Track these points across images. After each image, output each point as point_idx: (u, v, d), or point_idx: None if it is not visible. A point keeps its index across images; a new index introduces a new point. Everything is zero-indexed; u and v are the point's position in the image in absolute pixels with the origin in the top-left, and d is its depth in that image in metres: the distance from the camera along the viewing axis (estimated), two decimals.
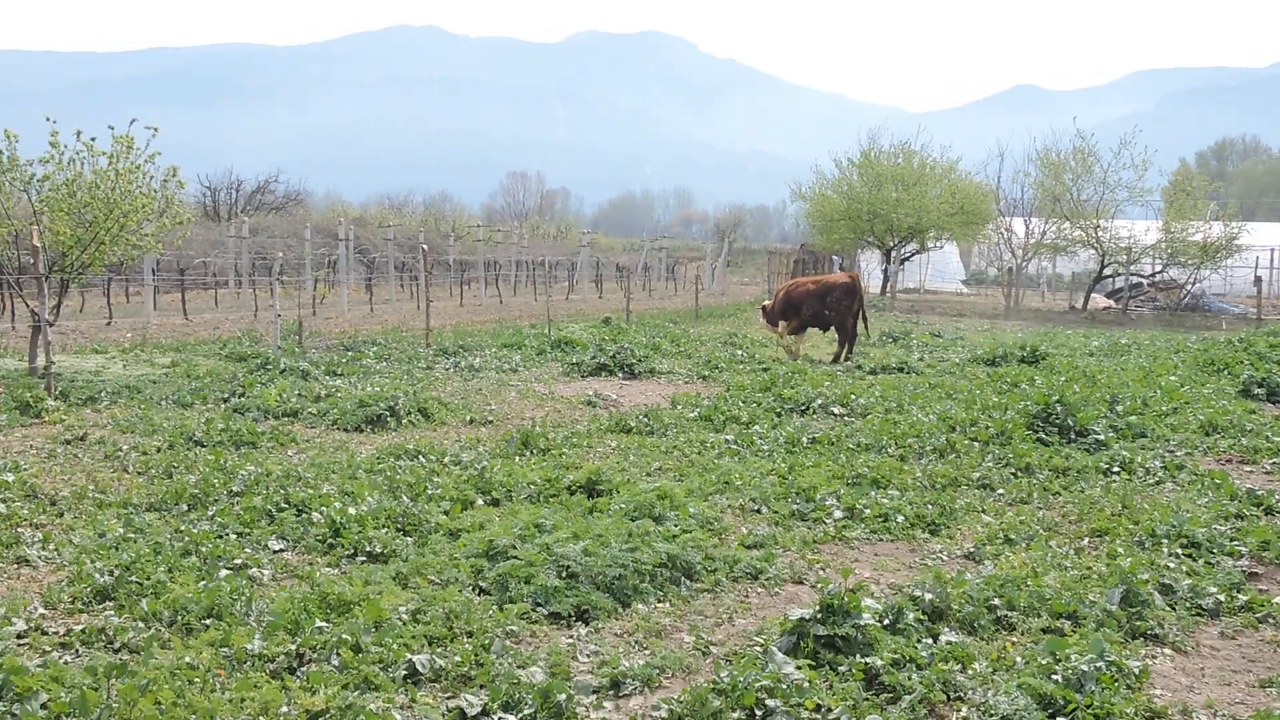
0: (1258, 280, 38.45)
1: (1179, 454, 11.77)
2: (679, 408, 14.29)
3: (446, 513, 8.82)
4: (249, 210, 57.79)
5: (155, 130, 18.29)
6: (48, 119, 17.67)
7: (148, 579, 6.91)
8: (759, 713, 5.28)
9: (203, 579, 6.96)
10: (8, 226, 17.23)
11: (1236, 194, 63.36)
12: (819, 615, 6.17)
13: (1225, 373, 17.96)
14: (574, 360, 19.66)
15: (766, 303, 22.53)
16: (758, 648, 6.12)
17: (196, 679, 5.42)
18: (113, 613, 6.50)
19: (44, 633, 6.24)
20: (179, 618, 6.35)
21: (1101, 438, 12.16)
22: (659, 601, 7.06)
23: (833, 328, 21.21)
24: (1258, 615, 7.01)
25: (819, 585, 7.12)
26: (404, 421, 13.31)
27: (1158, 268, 43.52)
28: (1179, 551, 8.22)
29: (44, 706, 5.02)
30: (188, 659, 5.69)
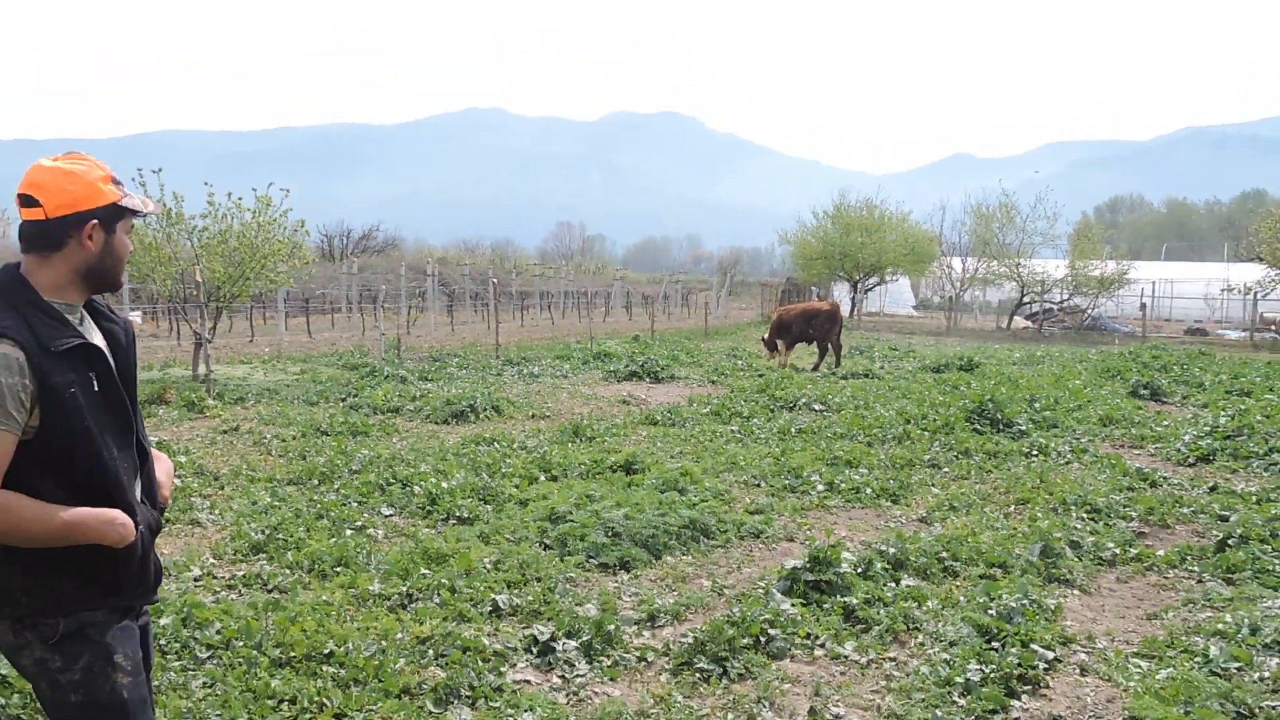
0: (1142, 306, 38.28)
1: (1083, 441, 11.70)
2: (694, 405, 14.27)
3: (517, 486, 8.80)
4: (356, 253, 57.92)
5: (287, 191, 18.45)
6: (205, 184, 17.88)
7: (291, 536, 6.97)
8: (763, 639, 5.33)
9: (333, 536, 7.04)
10: (176, 266, 17.37)
11: (1126, 239, 62.89)
12: (808, 565, 6.20)
13: (1118, 378, 17.87)
14: (611, 368, 19.62)
15: (764, 336, 22.35)
16: (761, 590, 6.14)
17: (332, 612, 5.50)
18: (265, 562, 6.57)
19: (214, 577, 6.32)
20: (316, 566, 6.40)
21: (1023, 428, 12.12)
22: (683, 554, 7.05)
23: (814, 343, 21.19)
24: (1145, 565, 6.99)
25: (807, 542, 7.20)
26: (481, 416, 13.30)
27: (1065, 296, 43.27)
28: (1084, 516, 8.20)
29: (218, 632, 5.12)
30: (324, 597, 5.77)
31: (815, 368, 20.66)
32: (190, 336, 16.84)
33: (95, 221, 2.51)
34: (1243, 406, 13.80)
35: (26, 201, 2.48)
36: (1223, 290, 42.39)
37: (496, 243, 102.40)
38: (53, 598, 2.46)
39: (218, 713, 4.33)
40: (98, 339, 2.60)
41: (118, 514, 2.46)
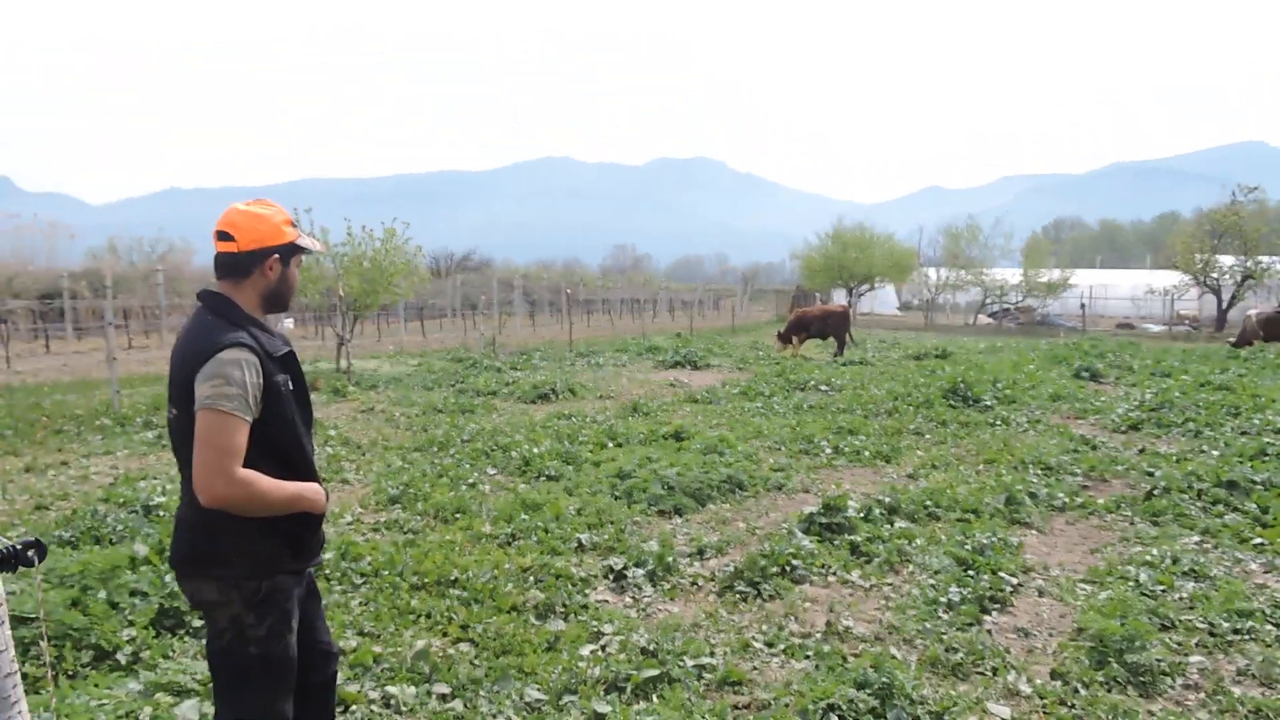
0: (1082, 306, 37.47)
1: (1037, 413, 11.50)
2: (726, 387, 14.24)
3: (591, 451, 8.82)
4: (458, 271, 58.38)
5: (408, 224, 18.67)
6: (345, 219, 18.15)
7: (419, 491, 7.07)
8: (788, 568, 5.34)
9: (451, 491, 7.13)
10: (323, 284, 17.68)
11: (1068, 253, 61.66)
12: (821, 511, 6.21)
13: (1064, 363, 17.55)
14: (659, 359, 19.62)
15: (779, 330, 22.14)
16: (785, 530, 6.15)
17: (454, 548, 5.60)
18: (400, 511, 6.67)
19: (362, 523, 6.44)
20: (440, 513, 6.50)
21: (989, 403, 11.95)
22: (723, 503, 7.06)
23: (832, 338, 21.06)
24: (1088, 510, 6.91)
25: (819, 493, 7.20)
26: (560, 396, 13.34)
27: (1019, 298, 42.64)
28: (1039, 472, 8.08)
29: (369, 564, 5.24)
30: (448, 537, 5.88)
31: (835, 357, 20.49)
32: (333, 337, 17.14)
33: (276, 256, 2.54)
34: (1164, 385, 13.52)
35: (223, 237, 2.49)
36: (1146, 292, 41.43)
37: (566, 262, 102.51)
38: (260, 561, 2.44)
39: (372, 624, 4.47)
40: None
41: (318, 486, 2.52)
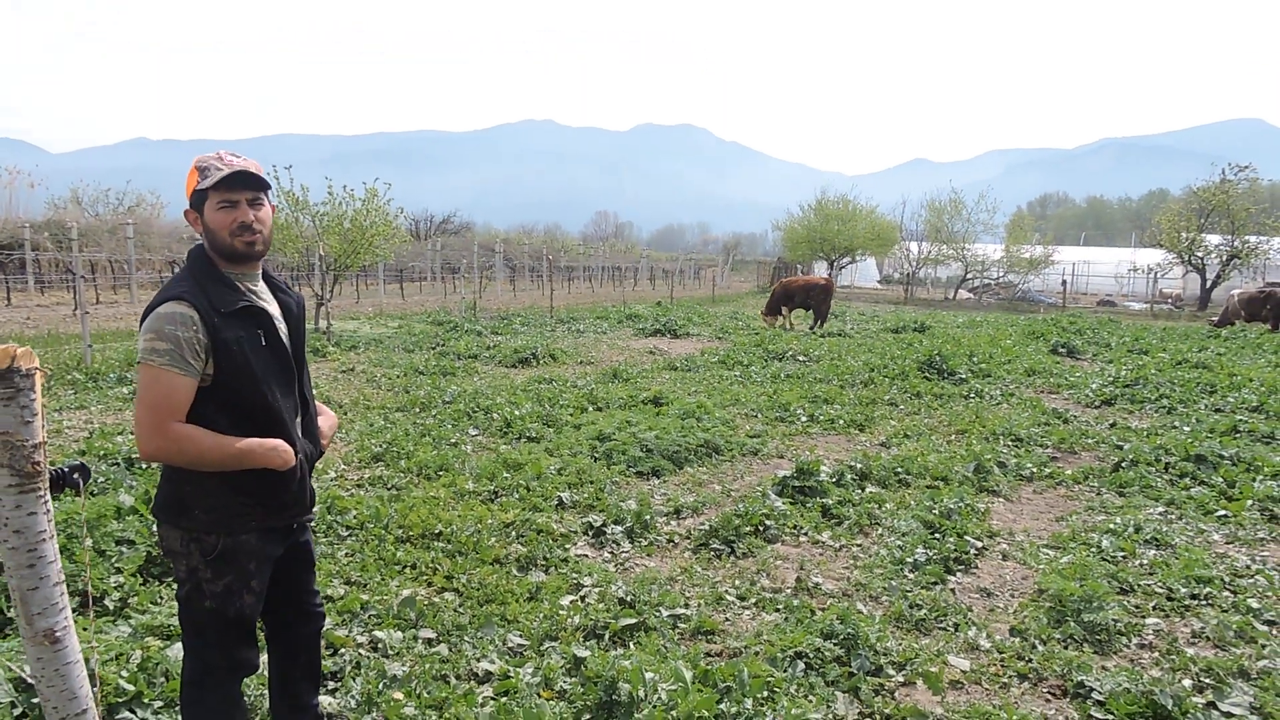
0: (1063, 282, 37.96)
1: (1011, 387, 11.77)
2: (705, 356, 14.40)
3: (571, 414, 8.97)
4: (437, 234, 58.07)
5: (389, 185, 18.62)
6: (326, 178, 18.08)
7: (402, 449, 7.20)
8: (761, 528, 5.56)
9: (434, 449, 7.26)
10: (301, 243, 17.64)
11: (1052, 229, 62.27)
12: (794, 474, 6.42)
13: (1041, 339, 17.85)
14: (639, 327, 19.74)
15: (763, 311, 22.15)
16: (759, 492, 6.32)
17: (438, 504, 5.76)
18: (384, 468, 6.81)
19: (345, 479, 6.57)
20: (423, 471, 6.64)
21: (963, 376, 12.19)
22: (699, 466, 7.25)
23: (811, 310, 21.27)
24: (1056, 481, 7.15)
25: (794, 459, 7.36)
26: (541, 361, 13.49)
27: (1001, 274, 43.07)
28: (1010, 443, 8.33)
29: (354, 517, 5.40)
30: (431, 493, 6.04)
31: (812, 328, 20.75)
32: (312, 297, 17.11)
33: (191, 211, 2.53)
34: (1140, 362, 13.86)
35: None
36: (1129, 270, 41.98)
37: (548, 227, 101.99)
38: (222, 517, 2.45)
39: (358, 574, 4.64)
40: (271, 306, 2.61)
41: (280, 442, 2.47)
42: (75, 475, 1.81)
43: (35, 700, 3.04)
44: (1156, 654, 4.10)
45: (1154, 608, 4.60)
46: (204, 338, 2.33)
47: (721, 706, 3.25)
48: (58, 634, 1.69)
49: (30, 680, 2.89)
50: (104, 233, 30.95)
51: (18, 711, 3.06)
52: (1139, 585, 4.84)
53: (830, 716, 3.40)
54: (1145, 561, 5.23)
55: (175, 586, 2.58)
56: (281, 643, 2.86)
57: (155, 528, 2.58)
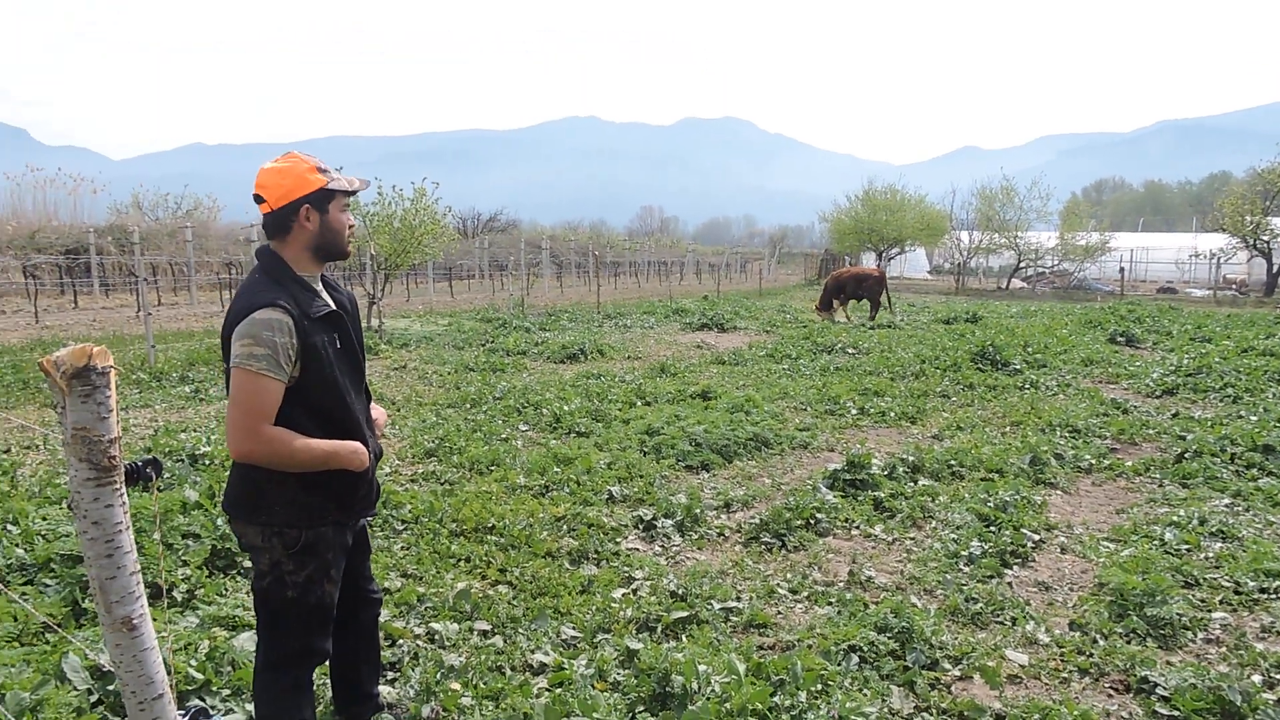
0: (1121, 269, 37.04)
1: (1067, 377, 11.55)
2: (753, 349, 14.39)
3: (620, 409, 9.00)
4: (485, 232, 58.58)
5: (437, 184, 18.81)
6: (376, 178, 18.34)
7: (454, 445, 7.30)
8: (812, 521, 5.54)
9: (485, 445, 7.33)
10: (353, 243, 17.91)
11: (1109, 215, 60.39)
12: (845, 467, 6.39)
13: (1099, 328, 17.47)
14: (686, 321, 19.73)
15: (816, 305, 21.88)
16: (809, 485, 6.31)
17: (490, 498, 5.84)
18: (436, 463, 6.91)
19: (400, 474, 6.67)
20: (475, 466, 6.72)
21: (1018, 367, 12.00)
22: (749, 460, 7.25)
23: (866, 301, 21.04)
24: (1116, 472, 7.03)
25: (844, 451, 7.31)
26: (589, 357, 13.54)
27: (1055, 262, 42.12)
28: (1066, 435, 8.19)
29: (409, 511, 5.50)
30: (484, 488, 6.12)
31: (869, 319, 20.52)
32: (364, 296, 17.39)
33: (307, 205, 2.54)
34: (1203, 350, 13.48)
35: (257, 199, 2.55)
36: (1191, 256, 40.77)
37: (593, 223, 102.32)
38: (302, 512, 2.54)
39: (414, 566, 4.72)
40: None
41: (359, 445, 2.57)
42: (148, 469, 1.88)
43: (111, 687, 3.16)
44: (1224, 649, 4.00)
45: (1220, 602, 4.48)
46: (296, 343, 2.41)
47: (775, 699, 3.25)
48: (134, 621, 1.77)
49: (107, 668, 3.00)
50: (164, 236, 31.80)
51: (94, 698, 3.18)
52: (1204, 579, 4.72)
53: (885, 710, 3.38)
54: (1211, 554, 5.10)
55: (252, 579, 2.67)
56: (344, 630, 2.94)
57: (229, 524, 2.64)
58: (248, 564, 4.59)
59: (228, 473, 2.66)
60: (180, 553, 4.50)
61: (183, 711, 1.92)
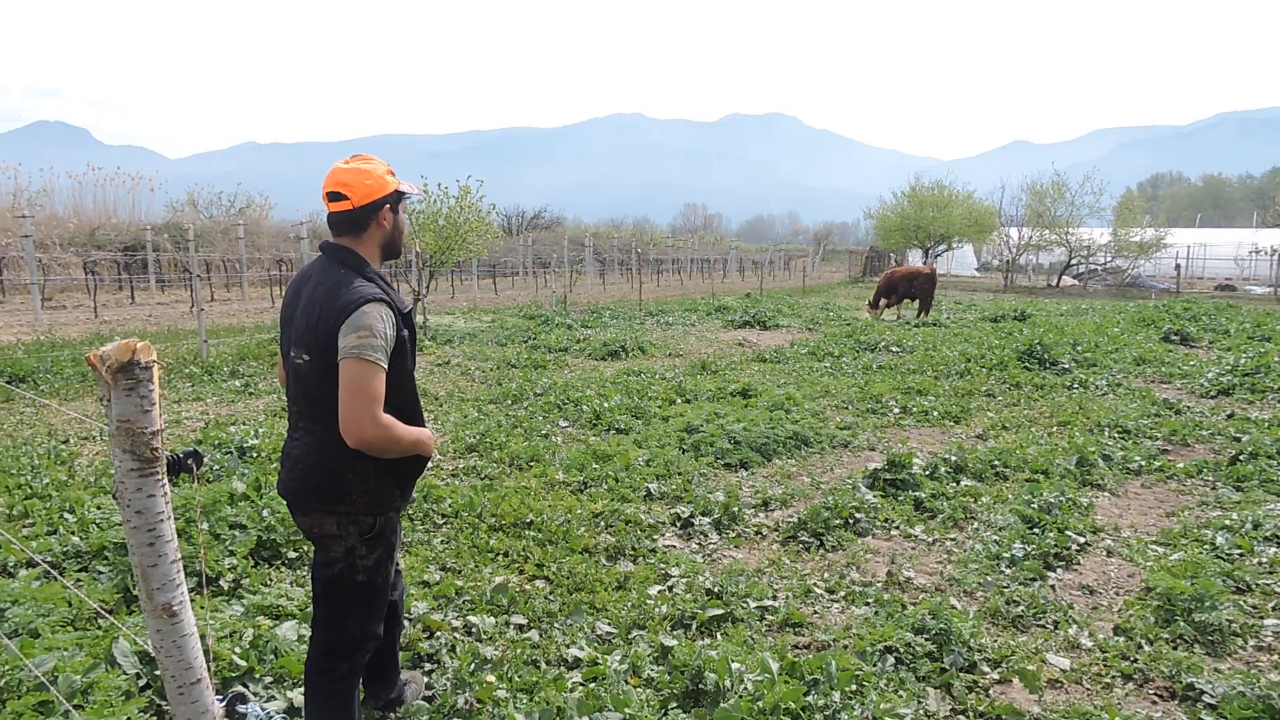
0: (1177, 267, 36.01)
1: (1118, 376, 11.30)
2: (795, 347, 14.30)
3: (659, 406, 9.00)
4: (529, 229, 58.95)
5: (482, 181, 18.98)
6: (422, 176, 18.55)
7: (495, 440, 7.36)
8: (850, 520, 5.50)
9: (525, 441, 7.40)
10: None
11: (1165, 211, 58.99)
12: (886, 467, 6.33)
13: (1152, 326, 17.04)
14: (728, 319, 19.65)
15: (869, 301, 21.67)
16: (849, 485, 6.26)
17: (529, 493, 5.89)
18: (477, 459, 6.96)
19: (441, 468, 6.74)
20: (515, 461, 6.79)
21: (1066, 366, 11.77)
22: (788, 459, 7.21)
23: (917, 299, 20.79)
24: (1166, 474, 6.86)
25: (885, 451, 7.25)
26: (630, 354, 13.57)
27: (1108, 258, 41.13)
28: (1115, 435, 8.03)
29: (449, 505, 5.56)
30: (523, 483, 6.18)
31: (918, 316, 20.26)
32: (408, 293, 17.61)
33: (387, 206, 2.67)
34: (1262, 349, 13.07)
35: (336, 197, 2.60)
36: (1251, 252, 39.54)
37: (636, 220, 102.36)
38: (377, 499, 2.64)
39: (453, 560, 4.78)
40: None
41: (429, 432, 2.68)
42: (190, 461, 1.93)
43: (158, 672, 3.25)
44: (1276, 657, 3.88)
45: (1273, 608, 4.35)
46: (394, 334, 2.51)
47: (809, 699, 3.23)
48: (174, 608, 1.82)
49: (152, 653, 3.09)
50: (217, 234, 32.56)
51: (142, 683, 3.27)
52: (1257, 584, 4.59)
53: (921, 712, 3.34)
54: (1265, 560, 4.95)
55: (315, 568, 2.74)
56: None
57: (301, 515, 2.68)
58: (292, 554, 4.70)
59: (291, 465, 2.67)
60: (227, 543, 4.61)
61: (221, 697, 1.97)
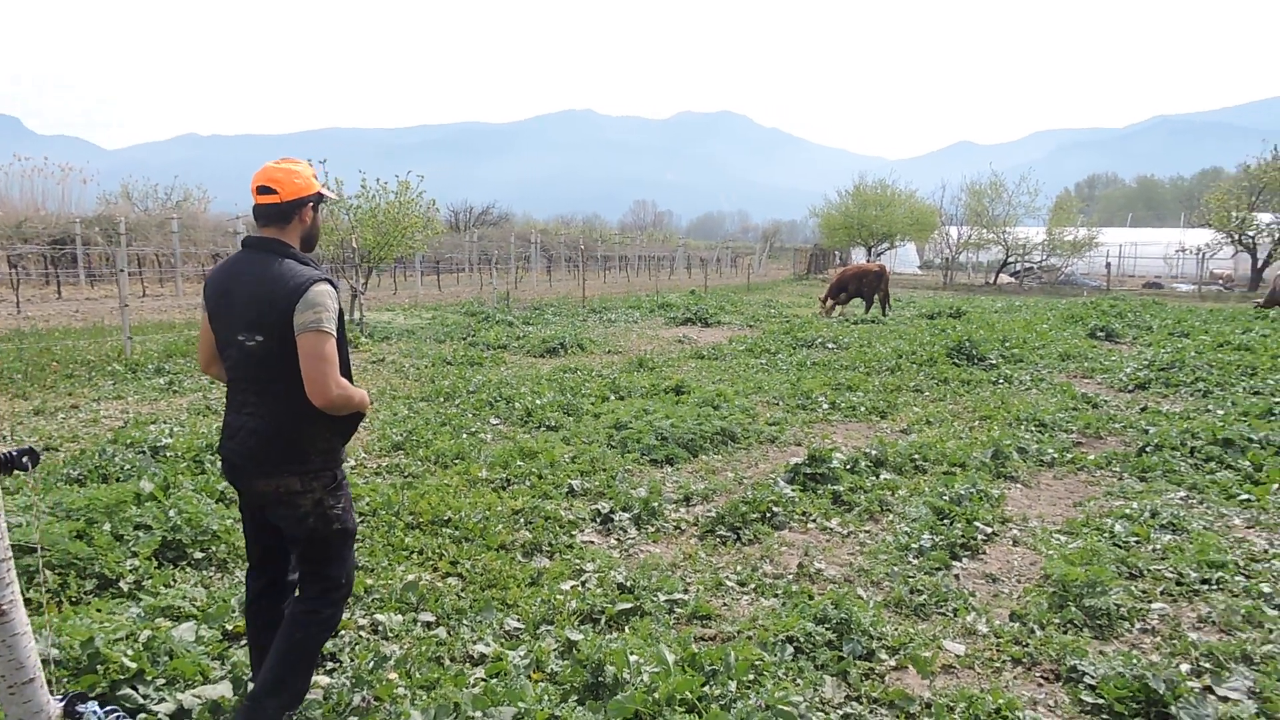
0: (1108, 265, 37.20)
1: (1042, 372, 11.58)
2: (733, 344, 14.36)
3: (593, 403, 9.00)
4: (476, 225, 58.42)
5: (422, 176, 18.79)
6: (360, 171, 18.31)
7: (422, 438, 7.31)
8: (768, 514, 5.57)
9: (453, 438, 7.35)
10: (336, 236, 17.90)
11: (1100, 211, 60.82)
12: (807, 461, 6.41)
13: (1080, 322, 17.48)
14: (671, 316, 19.70)
15: (822, 297, 21.93)
16: (770, 479, 6.35)
17: (450, 491, 5.87)
18: (403, 456, 6.91)
19: (365, 466, 6.69)
20: (440, 459, 6.73)
21: (994, 362, 12.02)
22: (715, 454, 7.27)
23: (866, 296, 21.06)
24: (1077, 466, 7.07)
25: (809, 446, 7.38)
26: (569, 351, 13.54)
27: (1043, 257, 42.21)
28: (1033, 429, 8.23)
29: (367, 504, 5.51)
30: (445, 481, 6.14)
31: (867, 312, 20.52)
32: (346, 289, 17.37)
33: (310, 204, 3.02)
34: (1180, 345, 13.54)
35: (265, 190, 2.93)
36: (1178, 251, 40.89)
37: (586, 217, 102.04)
38: (330, 455, 2.99)
39: (366, 559, 4.74)
40: None
41: (364, 391, 3.02)
42: (25, 459, 1.90)
43: None
44: (1159, 639, 4.05)
45: (1162, 592, 4.53)
46: (337, 308, 2.87)
47: (706, 689, 3.28)
48: (4, 608, 1.79)
49: None
50: (152, 227, 31.69)
51: None
52: (1149, 570, 4.77)
53: (817, 699, 3.42)
54: (1159, 547, 5.14)
55: (290, 526, 2.97)
56: (271, 568, 3.23)
57: (261, 482, 2.92)
58: (199, 555, 4.62)
59: (246, 435, 2.92)
60: (130, 544, 4.52)
61: (59, 697, 1.94)
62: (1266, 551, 5.07)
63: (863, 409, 9.15)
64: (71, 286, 25.22)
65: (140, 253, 28.66)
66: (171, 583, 4.30)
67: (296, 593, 3.15)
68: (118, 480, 5.58)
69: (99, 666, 3.23)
